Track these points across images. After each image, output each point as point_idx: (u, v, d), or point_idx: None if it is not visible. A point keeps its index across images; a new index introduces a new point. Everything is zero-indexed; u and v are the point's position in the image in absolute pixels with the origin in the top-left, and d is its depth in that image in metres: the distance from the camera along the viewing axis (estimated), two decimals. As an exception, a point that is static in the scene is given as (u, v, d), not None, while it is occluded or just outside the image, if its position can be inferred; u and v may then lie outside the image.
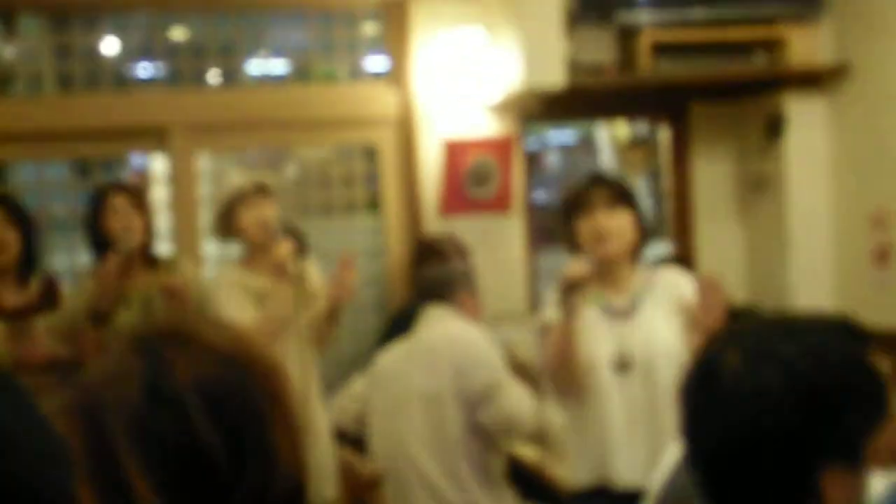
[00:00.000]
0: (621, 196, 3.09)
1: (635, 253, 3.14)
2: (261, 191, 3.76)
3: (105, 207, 3.82)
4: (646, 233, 3.19)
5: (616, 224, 3.04)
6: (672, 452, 2.11)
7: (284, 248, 3.65)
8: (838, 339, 1.38)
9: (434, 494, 3.59)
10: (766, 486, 1.32)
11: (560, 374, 3.03)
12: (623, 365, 2.98)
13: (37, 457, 1.83)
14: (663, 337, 3.01)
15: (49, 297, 3.86)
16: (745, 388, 1.33)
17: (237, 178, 3.88)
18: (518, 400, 3.57)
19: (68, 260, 4.56)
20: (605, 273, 3.06)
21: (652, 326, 3.03)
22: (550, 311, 3.07)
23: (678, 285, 3.11)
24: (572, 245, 3.13)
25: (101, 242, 3.84)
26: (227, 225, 3.80)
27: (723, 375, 1.35)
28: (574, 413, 3.09)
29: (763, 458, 1.31)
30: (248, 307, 3.70)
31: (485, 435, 3.61)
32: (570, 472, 3.14)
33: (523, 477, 3.82)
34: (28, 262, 3.85)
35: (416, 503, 3.61)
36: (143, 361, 1.14)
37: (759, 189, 5.14)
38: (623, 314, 3.06)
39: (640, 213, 3.15)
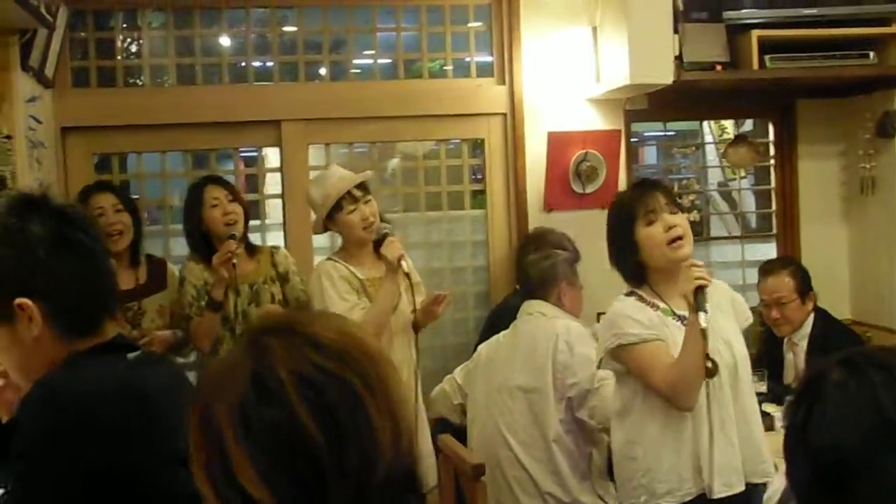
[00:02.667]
0: (676, 201, 3.04)
1: None
2: (363, 189, 3.86)
3: (204, 200, 3.99)
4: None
5: (684, 225, 2.96)
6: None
7: (396, 245, 3.74)
8: None
9: (532, 487, 3.64)
10: (884, 481, 1.35)
11: (693, 387, 2.88)
12: (710, 370, 2.87)
13: (169, 457, 1.93)
14: (739, 340, 3.01)
15: (157, 279, 4.06)
16: (851, 390, 1.37)
17: (337, 177, 3.92)
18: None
19: (185, 246, 4.70)
20: (671, 282, 2.97)
21: (725, 331, 2.98)
22: (636, 330, 2.96)
23: (728, 292, 3.11)
24: (634, 255, 3.02)
25: (199, 233, 4.03)
26: (330, 223, 3.89)
27: (827, 387, 1.40)
28: (667, 425, 2.95)
29: (881, 452, 1.34)
30: (353, 300, 3.80)
31: (585, 430, 3.65)
32: (666, 482, 2.96)
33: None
34: (137, 246, 4.05)
35: (514, 494, 3.66)
36: (248, 354, 1.21)
37: (867, 189, 5.06)
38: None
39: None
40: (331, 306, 3.75)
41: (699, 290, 2.79)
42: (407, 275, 3.71)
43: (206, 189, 4.03)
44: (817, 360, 1.56)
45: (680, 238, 2.93)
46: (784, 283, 4.33)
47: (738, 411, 2.95)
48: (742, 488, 2.92)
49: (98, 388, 1.82)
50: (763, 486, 3.02)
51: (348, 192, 3.81)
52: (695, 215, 5.31)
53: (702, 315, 2.75)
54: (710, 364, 2.87)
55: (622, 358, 3.00)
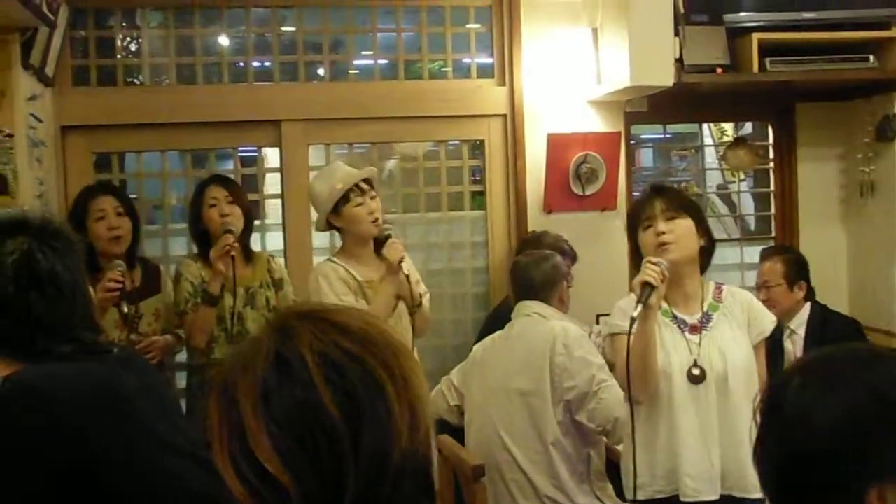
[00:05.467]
0: (681, 205, 3.09)
1: (702, 264, 3.12)
2: (369, 184, 3.85)
3: (203, 199, 4.00)
4: (711, 243, 3.16)
5: (676, 231, 3.03)
6: None
7: (398, 247, 3.74)
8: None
9: (530, 489, 3.63)
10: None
11: (638, 378, 2.99)
12: (697, 376, 2.98)
13: (168, 450, 1.93)
14: (735, 351, 3.01)
15: (151, 282, 4.05)
16: (802, 408, 1.36)
17: (344, 171, 3.90)
18: (618, 399, 3.53)
19: (185, 246, 4.71)
20: (674, 285, 3.04)
21: (724, 340, 3.02)
22: (618, 321, 3.06)
23: (748, 303, 3.13)
24: (638, 257, 3.10)
25: (198, 231, 4.03)
26: (334, 216, 3.83)
27: (786, 399, 1.39)
28: (647, 422, 3.04)
29: (819, 475, 1.34)
30: (348, 301, 3.78)
31: (583, 433, 3.63)
32: (640, 480, 3.04)
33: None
34: (135, 250, 4.04)
35: (512, 496, 3.65)
36: (276, 333, 1.21)
37: (866, 193, 5.07)
38: (696, 327, 3.05)
39: (703, 222, 3.13)
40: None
41: (645, 286, 2.90)
42: (407, 277, 3.72)
43: (207, 188, 4.03)
44: (778, 371, 1.55)
45: (666, 244, 3.01)
46: (773, 267, 4.48)
47: (726, 421, 2.98)
48: (714, 497, 2.96)
49: (54, 377, 1.82)
50: (750, 502, 3.02)
51: (356, 185, 3.81)
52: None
53: (639, 307, 2.88)
54: (696, 371, 2.98)
55: (611, 346, 3.18)
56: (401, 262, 3.71)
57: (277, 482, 1.14)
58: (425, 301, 3.90)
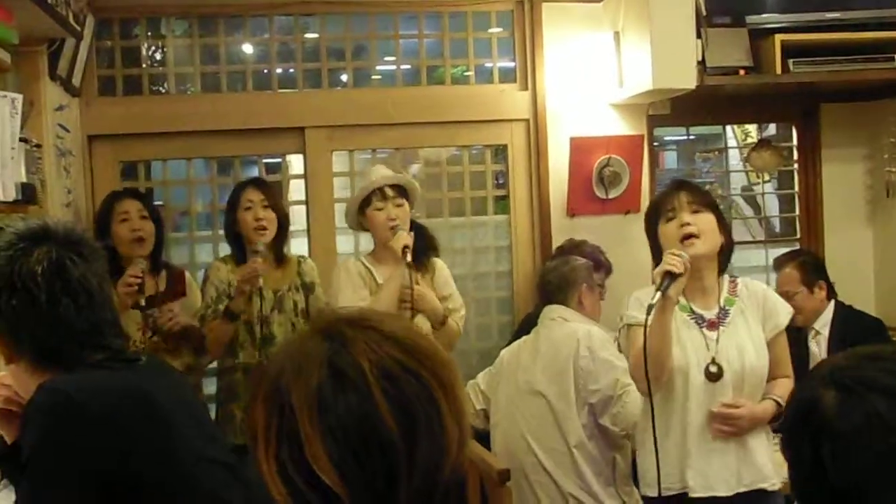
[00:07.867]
0: (703, 200, 3.08)
1: (720, 261, 3.12)
2: (399, 191, 3.88)
3: (240, 201, 4.02)
4: (730, 242, 3.15)
5: (701, 224, 3.02)
6: None
7: (402, 236, 3.78)
8: None
9: (556, 491, 3.64)
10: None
11: (651, 367, 2.94)
12: (715, 374, 2.98)
13: (198, 458, 1.95)
14: (751, 349, 3.01)
15: (175, 288, 4.07)
16: (854, 422, 1.35)
17: (379, 174, 3.97)
18: (641, 403, 3.57)
19: (211, 252, 4.75)
20: (693, 279, 3.02)
21: (741, 338, 3.03)
22: (635, 311, 3.04)
23: (763, 297, 3.11)
24: (658, 252, 3.08)
25: (233, 234, 4.06)
26: (358, 218, 3.96)
27: (827, 417, 1.37)
28: (660, 417, 3.03)
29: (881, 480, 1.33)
30: (363, 294, 3.83)
31: (607, 436, 3.64)
32: (650, 472, 3.07)
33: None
34: (159, 255, 4.06)
35: (538, 499, 3.66)
36: (326, 343, 1.21)
37: (891, 193, 5.04)
38: (713, 323, 3.05)
39: (723, 221, 3.13)
40: (340, 295, 3.84)
41: (667, 275, 2.88)
42: (409, 265, 3.74)
43: (244, 191, 4.06)
44: (804, 383, 1.52)
45: (692, 236, 3.00)
46: (789, 275, 4.46)
47: None
48: (727, 494, 2.97)
49: (92, 385, 1.84)
50: (769, 493, 3.02)
51: (381, 190, 3.85)
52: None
53: (657, 296, 2.85)
54: (714, 368, 2.99)
55: (626, 338, 3.14)
56: (405, 249, 3.75)
57: (329, 492, 1.14)
58: (453, 319, 3.93)
